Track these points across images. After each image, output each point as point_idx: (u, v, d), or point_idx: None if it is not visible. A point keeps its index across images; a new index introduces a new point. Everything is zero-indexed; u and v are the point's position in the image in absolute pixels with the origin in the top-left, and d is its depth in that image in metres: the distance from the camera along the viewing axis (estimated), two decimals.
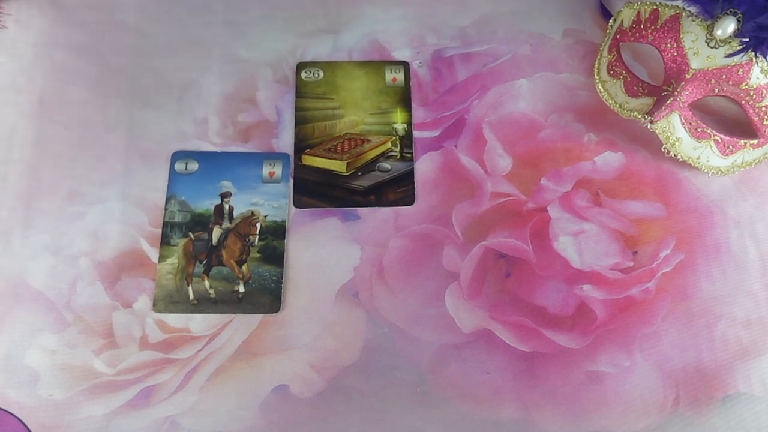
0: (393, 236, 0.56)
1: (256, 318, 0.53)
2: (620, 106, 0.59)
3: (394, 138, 0.60)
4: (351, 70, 0.63)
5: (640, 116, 0.56)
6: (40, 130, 0.59)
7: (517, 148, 0.59)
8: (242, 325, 0.53)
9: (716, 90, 0.55)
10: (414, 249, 0.56)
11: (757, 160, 0.58)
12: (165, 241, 0.56)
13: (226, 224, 0.56)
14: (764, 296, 0.54)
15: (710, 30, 0.54)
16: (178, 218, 0.57)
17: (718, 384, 0.52)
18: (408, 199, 0.57)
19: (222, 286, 0.54)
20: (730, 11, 0.53)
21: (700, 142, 0.56)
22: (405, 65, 0.63)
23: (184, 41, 0.64)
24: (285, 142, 0.60)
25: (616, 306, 0.54)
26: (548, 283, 0.54)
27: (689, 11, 0.55)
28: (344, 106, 0.62)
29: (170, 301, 0.54)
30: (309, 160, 0.59)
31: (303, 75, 0.62)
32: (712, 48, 0.54)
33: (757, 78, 0.54)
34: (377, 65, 0.63)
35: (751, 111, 0.55)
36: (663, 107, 0.55)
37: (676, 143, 0.56)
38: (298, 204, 0.57)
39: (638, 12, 0.57)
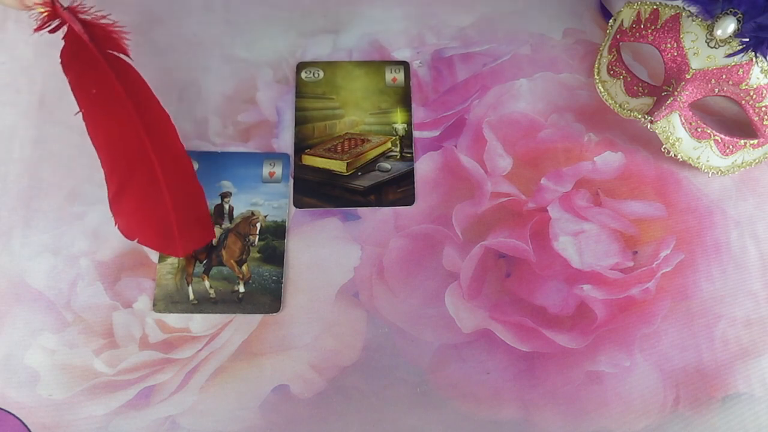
0: (393, 236, 0.56)
1: (256, 318, 0.53)
2: (620, 106, 0.59)
3: (394, 138, 0.60)
4: (351, 70, 0.63)
5: (640, 116, 0.56)
6: (40, 130, 0.59)
7: (517, 148, 0.59)
8: (242, 325, 0.53)
9: (716, 90, 0.55)
10: (414, 249, 0.56)
11: (757, 160, 0.58)
12: None
13: (226, 224, 0.56)
14: (764, 296, 0.54)
15: (710, 30, 0.54)
16: None
17: (718, 384, 0.52)
18: (408, 199, 0.58)
19: (222, 286, 0.54)
20: (730, 11, 0.53)
21: (700, 142, 0.56)
22: (405, 65, 0.63)
23: (184, 41, 0.64)
24: (285, 142, 0.60)
25: (616, 306, 0.54)
26: (548, 283, 0.55)
27: (689, 11, 0.55)
28: (344, 106, 0.62)
29: (170, 301, 0.54)
30: (309, 160, 0.59)
31: (303, 75, 0.62)
32: (712, 48, 0.54)
33: (757, 78, 0.54)
34: (377, 65, 0.63)
35: (751, 111, 0.55)
36: (663, 107, 0.55)
37: (676, 143, 0.56)
38: (298, 204, 0.57)
39: (638, 12, 0.57)
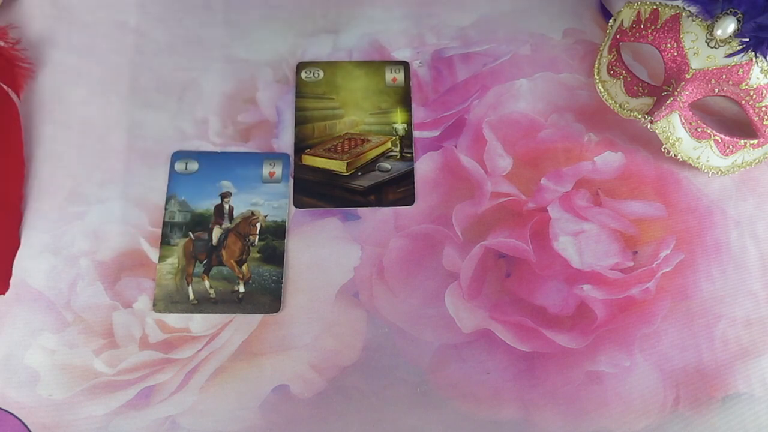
0: (393, 236, 0.56)
1: (256, 318, 0.53)
2: (620, 106, 0.59)
3: (394, 138, 0.60)
4: (351, 70, 0.63)
5: (640, 116, 0.56)
6: (40, 130, 0.59)
7: (517, 148, 0.59)
8: (242, 325, 0.53)
9: (716, 90, 0.55)
10: (414, 249, 0.56)
11: (757, 160, 0.58)
12: (165, 241, 0.56)
13: (226, 224, 0.56)
14: (764, 296, 0.54)
15: (710, 30, 0.54)
16: (178, 218, 0.57)
17: (718, 384, 0.52)
18: (408, 199, 0.58)
19: (222, 286, 0.54)
20: (730, 11, 0.53)
21: (700, 142, 0.56)
22: (405, 65, 0.63)
23: (184, 41, 0.64)
24: (285, 142, 0.60)
25: (616, 306, 0.54)
26: (548, 283, 0.55)
27: (689, 11, 0.55)
28: (344, 106, 0.62)
29: (170, 301, 0.54)
30: (309, 160, 0.59)
31: (303, 75, 0.62)
32: (712, 48, 0.54)
33: (757, 78, 0.54)
34: (377, 65, 0.63)
35: (751, 111, 0.55)
36: (663, 107, 0.55)
37: (676, 143, 0.56)
38: (298, 204, 0.57)
39: (638, 12, 0.57)
